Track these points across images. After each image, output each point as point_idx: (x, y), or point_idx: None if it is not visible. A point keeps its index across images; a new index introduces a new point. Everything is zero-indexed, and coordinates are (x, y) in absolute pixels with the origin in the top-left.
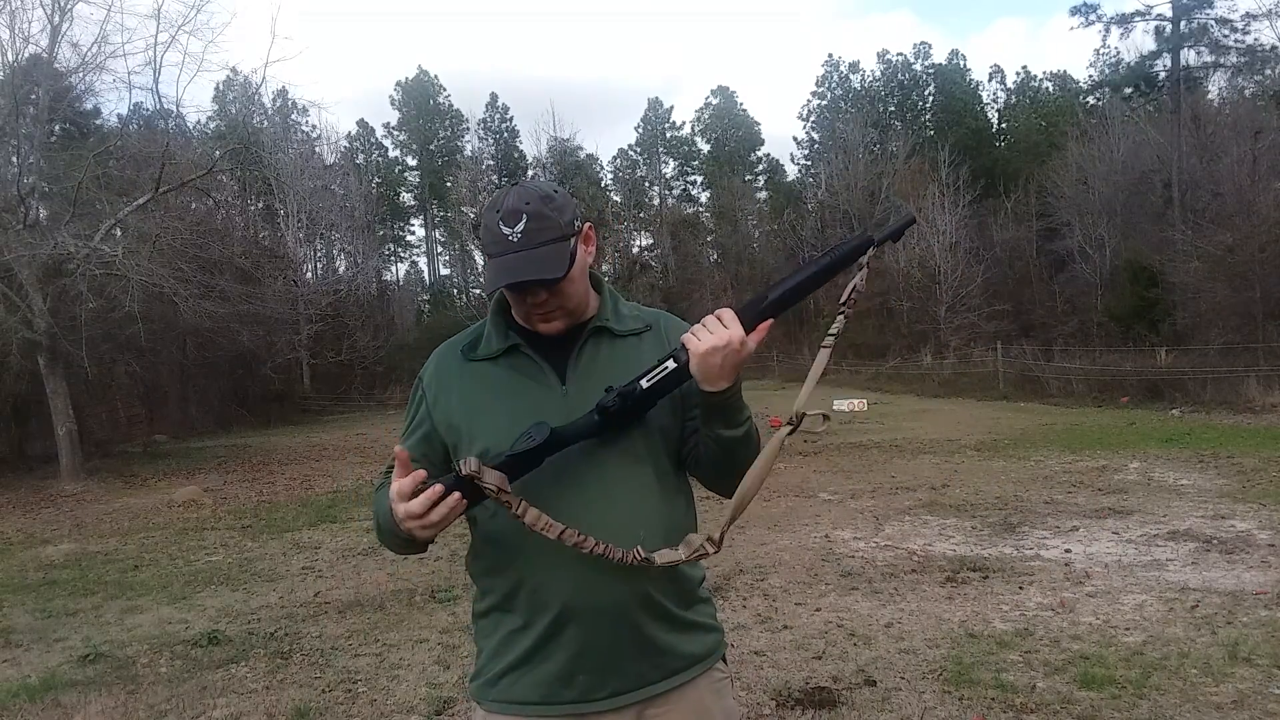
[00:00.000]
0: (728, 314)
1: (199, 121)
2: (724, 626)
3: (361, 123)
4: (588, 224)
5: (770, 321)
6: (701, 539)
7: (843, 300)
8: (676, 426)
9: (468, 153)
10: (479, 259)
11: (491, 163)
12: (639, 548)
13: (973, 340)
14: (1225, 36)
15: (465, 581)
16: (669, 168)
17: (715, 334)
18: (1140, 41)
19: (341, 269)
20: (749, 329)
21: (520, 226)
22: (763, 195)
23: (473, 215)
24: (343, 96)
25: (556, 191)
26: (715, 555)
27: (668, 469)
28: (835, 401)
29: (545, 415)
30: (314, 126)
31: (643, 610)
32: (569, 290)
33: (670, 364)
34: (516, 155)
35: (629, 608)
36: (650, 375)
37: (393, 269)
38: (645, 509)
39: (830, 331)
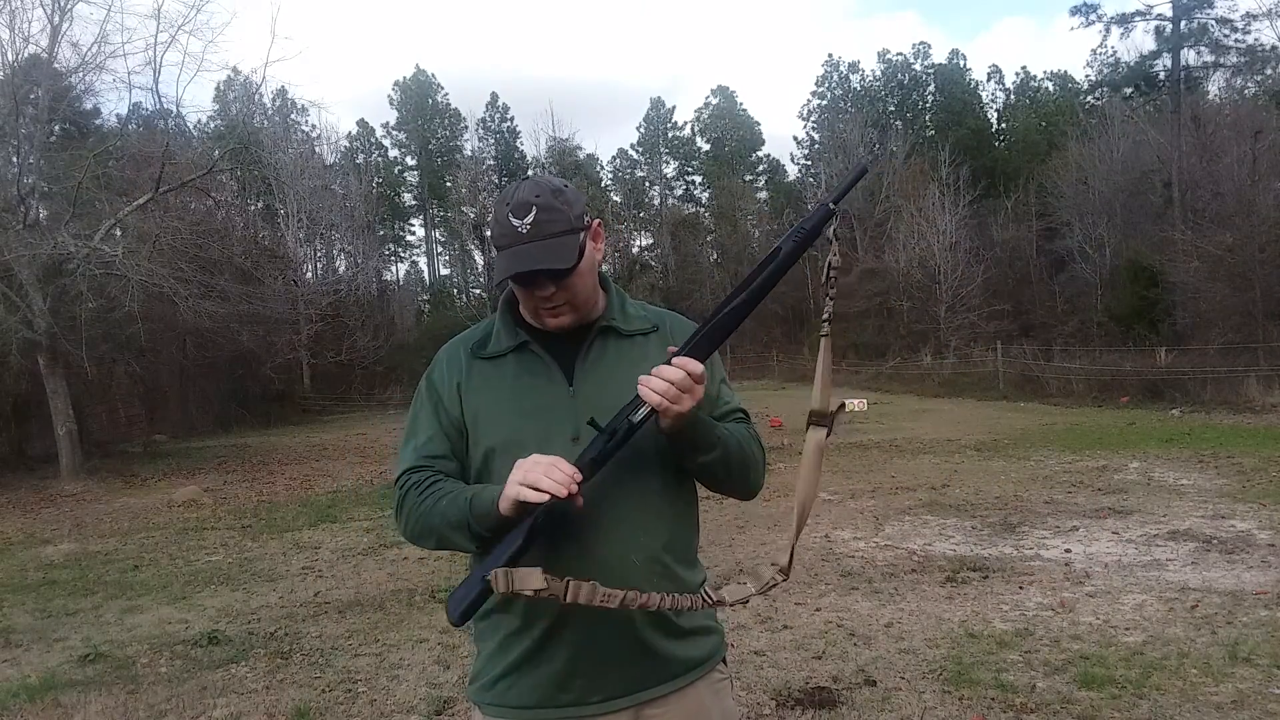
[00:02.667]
0: (681, 361)
1: (199, 121)
2: (724, 627)
3: (361, 123)
4: (597, 221)
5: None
6: (771, 570)
7: (824, 281)
8: None
9: (467, 152)
10: (479, 259)
11: (492, 163)
12: (706, 588)
13: (973, 340)
14: (1225, 36)
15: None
16: (669, 168)
17: (680, 394)
18: (1140, 41)
19: (341, 269)
20: (705, 357)
21: (530, 218)
22: (763, 195)
23: (473, 215)
24: (342, 96)
25: (567, 186)
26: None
27: (671, 477)
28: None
29: (553, 415)
30: (314, 126)
31: (641, 615)
32: (577, 285)
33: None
34: (517, 155)
35: (627, 612)
36: (636, 409)
37: (393, 269)
38: (645, 526)
39: (823, 319)
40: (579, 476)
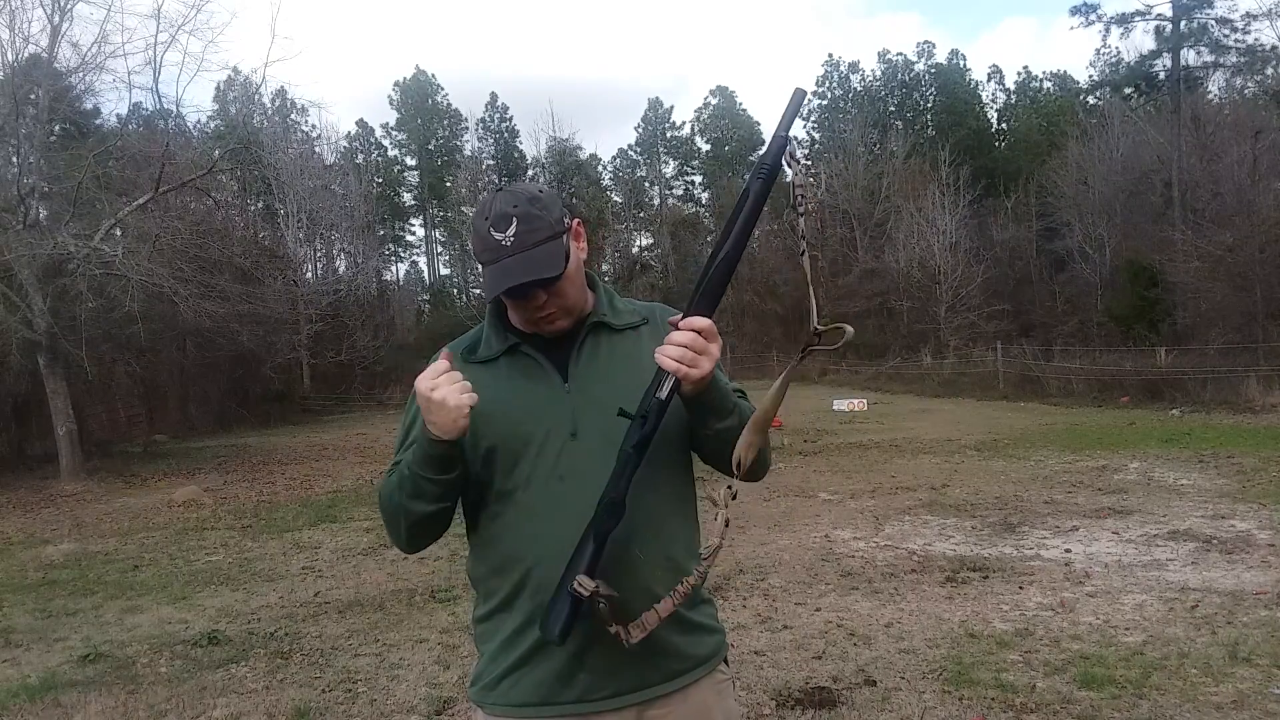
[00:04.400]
0: (688, 321)
1: (199, 121)
2: (724, 627)
3: (361, 123)
4: (576, 220)
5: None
6: (721, 497)
7: (792, 203)
8: (684, 424)
9: (467, 152)
10: None
11: (491, 163)
12: (687, 580)
13: (973, 340)
14: (1225, 36)
15: (465, 581)
16: (669, 168)
17: (696, 355)
18: (1140, 41)
19: (341, 269)
20: (711, 312)
21: (511, 230)
22: None
23: (473, 215)
24: (342, 96)
25: (542, 192)
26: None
27: (676, 473)
28: (835, 402)
29: (551, 412)
30: (314, 126)
31: (647, 610)
32: (567, 289)
33: (669, 377)
34: (516, 155)
35: (630, 608)
36: (661, 386)
37: (393, 269)
38: (651, 523)
39: (802, 236)
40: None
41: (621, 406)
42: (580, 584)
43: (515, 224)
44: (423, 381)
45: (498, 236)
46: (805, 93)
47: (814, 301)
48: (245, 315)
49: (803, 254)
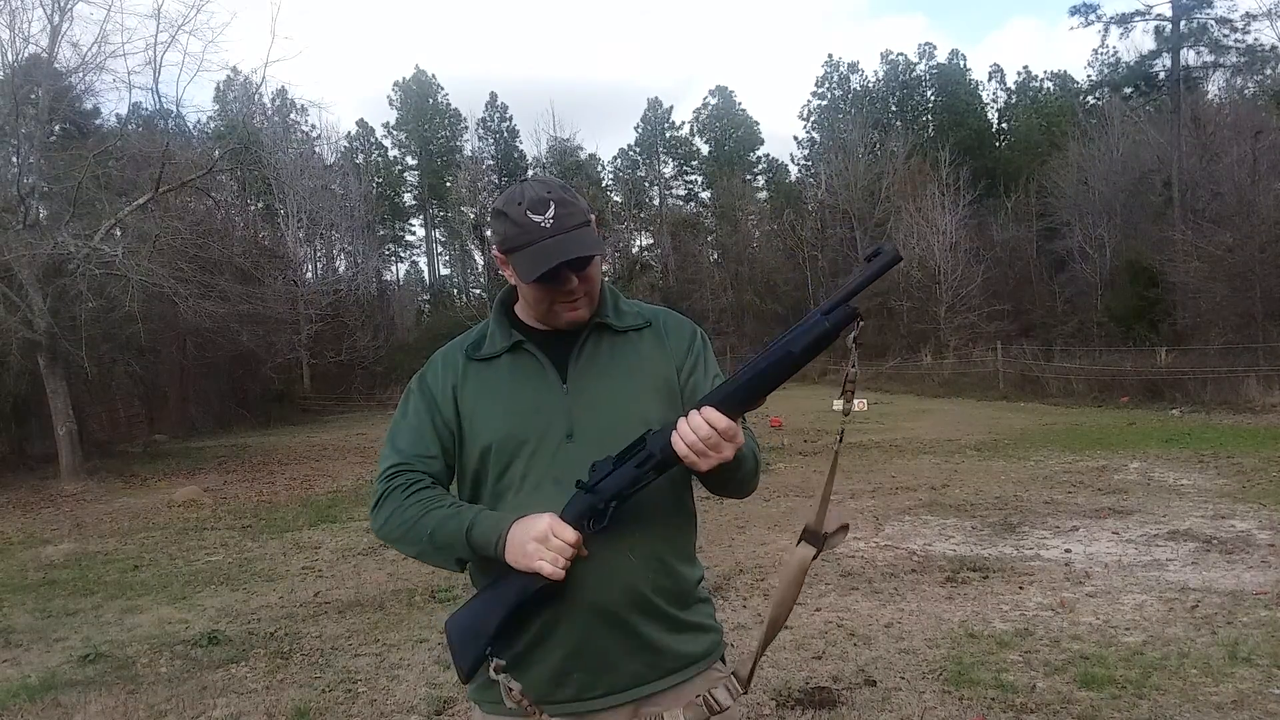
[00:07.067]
0: (713, 416)
1: (199, 121)
2: (723, 626)
3: (361, 123)
4: (594, 214)
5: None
6: (726, 680)
7: (842, 392)
8: None
9: (467, 152)
10: (479, 259)
11: (491, 162)
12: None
13: (973, 340)
14: (1225, 36)
15: (465, 581)
16: (668, 168)
17: (708, 448)
18: (1140, 41)
19: (341, 269)
20: (735, 415)
21: (550, 213)
22: (763, 195)
23: (473, 215)
24: (342, 96)
25: (567, 184)
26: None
27: (675, 484)
28: (835, 402)
29: (548, 413)
30: (314, 126)
31: (637, 610)
32: (594, 275)
33: (655, 456)
34: (516, 155)
35: (623, 608)
36: (634, 457)
37: (393, 269)
38: (643, 523)
39: (838, 434)
40: (581, 551)
41: (579, 480)
42: (491, 663)
43: (554, 207)
44: (535, 540)
45: (536, 219)
46: (900, 259)
47: (826, 499)
48: (245, 315)
49: (836, 450)
